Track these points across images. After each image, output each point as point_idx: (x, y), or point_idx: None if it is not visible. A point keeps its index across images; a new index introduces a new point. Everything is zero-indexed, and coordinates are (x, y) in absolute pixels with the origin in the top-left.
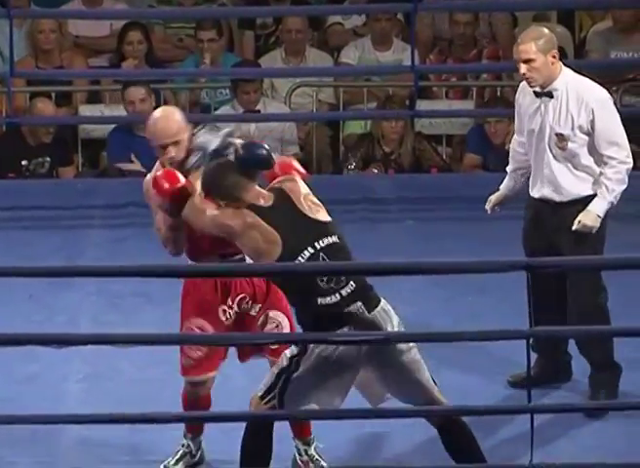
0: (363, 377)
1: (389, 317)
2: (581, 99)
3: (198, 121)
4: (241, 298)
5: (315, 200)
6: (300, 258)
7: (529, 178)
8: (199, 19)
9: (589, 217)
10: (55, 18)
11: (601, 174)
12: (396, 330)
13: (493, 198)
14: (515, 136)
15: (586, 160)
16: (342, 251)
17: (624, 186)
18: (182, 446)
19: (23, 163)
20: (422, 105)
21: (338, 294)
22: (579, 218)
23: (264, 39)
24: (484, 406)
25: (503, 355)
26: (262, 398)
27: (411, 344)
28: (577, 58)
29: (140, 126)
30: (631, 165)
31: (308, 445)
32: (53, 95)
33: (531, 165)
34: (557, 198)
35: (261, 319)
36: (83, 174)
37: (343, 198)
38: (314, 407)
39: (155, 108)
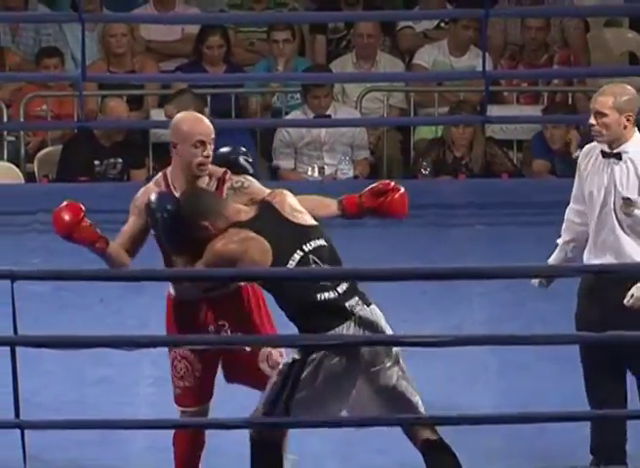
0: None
1: (380, 314)
2: None
3: (270, 126)
4: (220, 325)
5: (299, 207)
6: (290, 262)
7: (582, 251)
8: (271, 24)
9: None
10: (126, 22)
11: None
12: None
13: None
14: (571, 204)
15: None
16: (331, 252)
17: None
18: None
19: (96, 163)
20: (493, 111)
21: (335, 291)
22: (632, 292)
23: (336, 43)
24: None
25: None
26: (266, 414)
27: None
28: None
29: None
30: None
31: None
32: (124, 98)
33: (586, 237)
34: None
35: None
36: (153, 177)
37: (414, 203)
38: (323, 412)
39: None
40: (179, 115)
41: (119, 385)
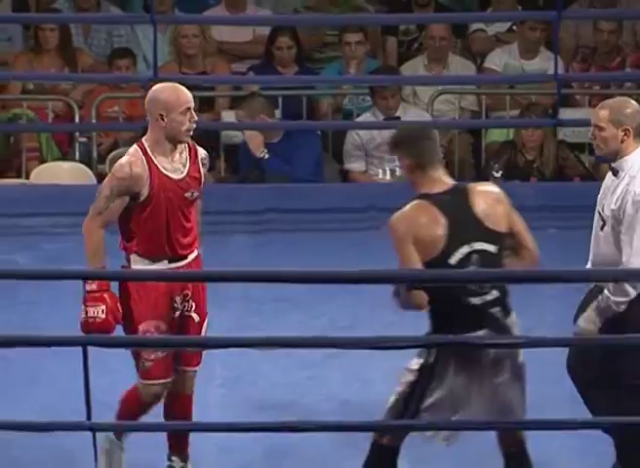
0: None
1: (516, 328)
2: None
3: (340, 128)
4: (184, 295)
5: (493, 210)
6: (456, 254)
7: None
8: (343, 26)
9: None
10: (198, 23)
11: None
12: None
13: None
14: None
15: None
16: (496, 263)
17: None
18: None
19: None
20: (565, 114)
21: (482, 298)
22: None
23: (407, 45)
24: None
25: None
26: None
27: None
28: None
29: (266, 134)
30: None
31: (185, 461)
32: (195, 100)
33: None
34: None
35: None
36: (225, 179)
37: None
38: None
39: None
40: (157, 87)
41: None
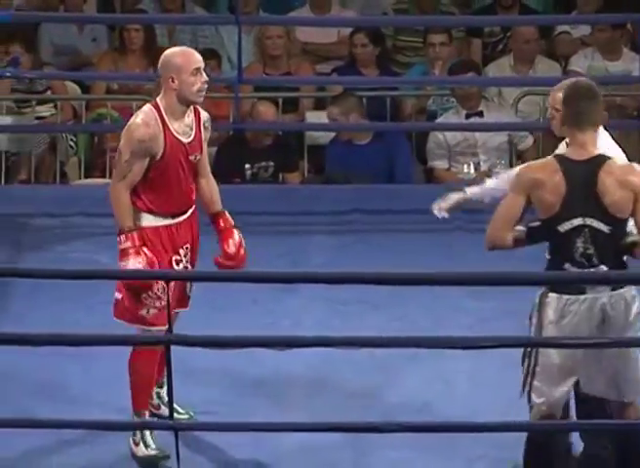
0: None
1: (628, 304)
2: None
3: (423, 129)
4: (186, 248)
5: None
6: (566, 223)
7: None
8: (427, 28)
9: None
10: (283, 24)
11: None
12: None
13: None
14: None
15: None
16: (607, 245)
17: None
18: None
19: (247, 167)
20: None
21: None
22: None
23: (492, 47)
24: None
25: None
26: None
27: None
28: None
29: (355, 135)
30: None
31: (160, 387)
32: (280, 100)
33: None
34: None
35: None
36: (309, 179)
37: None
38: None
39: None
40: (168, 51)
41: (272, 386)
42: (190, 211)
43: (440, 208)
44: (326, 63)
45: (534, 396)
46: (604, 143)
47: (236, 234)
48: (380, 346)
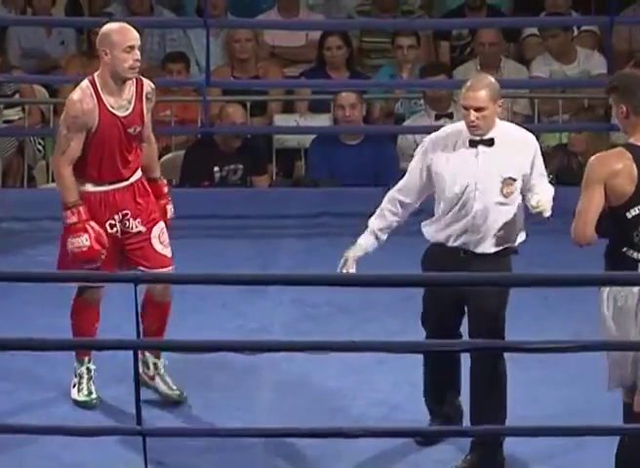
0: None
1: None
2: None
3: (393, 132)
4: (123, 215)
5: None
6: (635, 209)
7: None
8: (396, 31)
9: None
10: (251, 27)
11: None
12: None
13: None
14: (397, 194)
15: None
16: None
17: None
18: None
19: (215, 169)
20: None
21: None
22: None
23: (460, 50)
24: None
25: None
26: None
27: None
28: None
29: (346, 134)
30: None
31: (158, 358)
32: (248, 104)
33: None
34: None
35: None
36: (277, 183)
37: None
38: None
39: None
40: (106, 25)
41: (239, 389)
42: (132, 179)
43: (347, 269)
44: (294, 67)
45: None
46: None
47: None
48: (347, 351)
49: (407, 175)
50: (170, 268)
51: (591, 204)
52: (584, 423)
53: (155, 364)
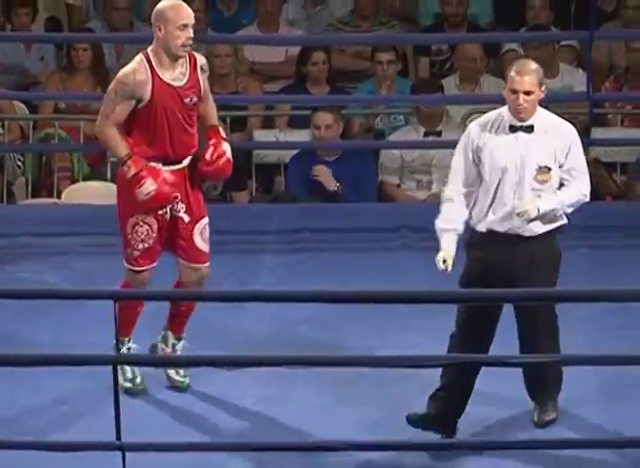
0: None
1: None
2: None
3: (374, 147)
4: (174, 197)
5: None
6: None
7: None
8: (376, 45)
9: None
10: (230, 43)
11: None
12: None
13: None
14: (460, 187)
15: None
16: None
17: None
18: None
19: None
20: (597, 133)
21: None
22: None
23: (440, 65)
24: None
25: None
26: None
27: None
28: None
29: (324, 151)
30: None
31: (179, 340)
32: (228, 119)
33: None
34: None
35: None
36: (257, 198)
37: None
38: None
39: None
40: (162, 2)
41: (221, 405)
42: (185, 162)
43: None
44: (274, 83)
45: None
46: None
47: (223, 145)
48: (325, 365)
49: (456, 167)
50: (206, 264)
51: None
52: None
53: (174, 344)
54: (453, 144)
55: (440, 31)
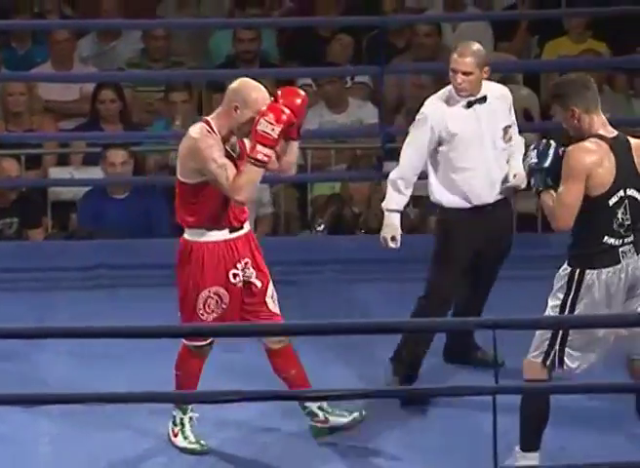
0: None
1: None
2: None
3: (166, 183)
4: (245, 263)
5: None
6: (615, 196)
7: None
8: (169, 82)
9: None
10: (24, 80)
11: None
12: None
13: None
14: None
15: None
16: (637, 211)
17: None
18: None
19: None
20: (390, 167)
21: (621, 240)
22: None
23: None
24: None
25: None
26: (544, 362)
27: None
28: (543, 119)
29: (114, 189)
30: None
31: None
32: (22, 157)
33: None
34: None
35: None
36: (52, 236)
37: (312, 259)
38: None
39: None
40: (245, 81)
41: (15, 443)
42: (246, 226)
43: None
44: (68, 120)
45: (567, 361)
46: None
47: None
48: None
49: (409, 151)
50: None
51: (578, 194)
52: None
53: (320, 406)
54: None
55: (233, 68)
